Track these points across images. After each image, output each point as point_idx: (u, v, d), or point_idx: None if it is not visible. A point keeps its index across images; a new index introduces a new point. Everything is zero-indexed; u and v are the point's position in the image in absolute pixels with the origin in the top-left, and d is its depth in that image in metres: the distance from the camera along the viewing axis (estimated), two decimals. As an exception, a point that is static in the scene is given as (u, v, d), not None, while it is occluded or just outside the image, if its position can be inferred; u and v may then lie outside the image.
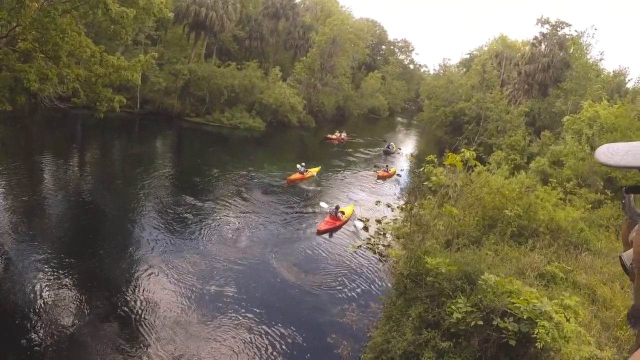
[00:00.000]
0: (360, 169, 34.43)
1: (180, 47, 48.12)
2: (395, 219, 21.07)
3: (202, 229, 17.94)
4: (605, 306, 10.46)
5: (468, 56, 69.33)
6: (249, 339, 11.38)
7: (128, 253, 15.45)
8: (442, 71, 75.33)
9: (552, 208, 15.34)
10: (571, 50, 45.11)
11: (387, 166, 32.83)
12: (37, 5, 14.62)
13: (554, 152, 26.10)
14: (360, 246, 17.98)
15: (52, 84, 15.60)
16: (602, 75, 42.28)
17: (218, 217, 19.52)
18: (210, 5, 43.56)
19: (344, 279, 15.21)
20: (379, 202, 24.71)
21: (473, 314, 8.19)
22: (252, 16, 53.25)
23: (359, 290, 14.60)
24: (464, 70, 65.02)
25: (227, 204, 21.49)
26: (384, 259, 16.91)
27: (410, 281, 9.98)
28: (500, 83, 50.13)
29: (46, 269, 13.30)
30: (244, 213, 20.38)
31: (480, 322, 8.02)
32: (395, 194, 27.34)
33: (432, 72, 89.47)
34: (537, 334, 7.18)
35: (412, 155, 41.49)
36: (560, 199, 17.69)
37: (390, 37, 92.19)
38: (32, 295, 11.99)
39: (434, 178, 12.90)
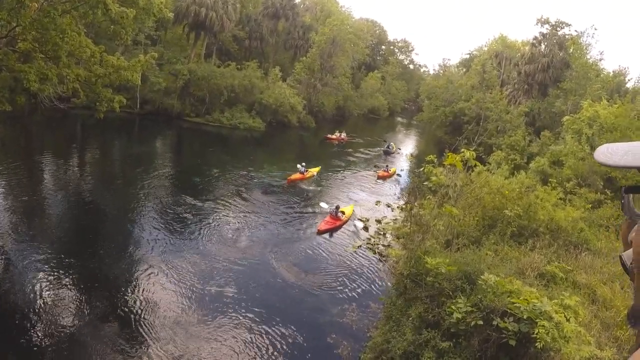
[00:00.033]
0: (360, 169, 34.43)
1: (180, 47, 48.13)
2: (395, 219, 21.07)
3: (202, 229, 17.94)
4: (605, 306, 10.47)
5: (468, 56, 69.40)
6: (249, 339, 11.38)
7: (128, 253, 15.45)
8: (442, 71, 75.38)
9: (552, 208, 15.34)
10: (571, 50, 45.11)
11: (387, 166, 32.84)
12: (37, 6, 14.61)
13: (554, 152, 26.11)
14: (360, 246, 17.99)
15: (52, 84, 15.60)
16: (601, 75, 42.29)
17: (218, 217, 19.52)
18: (210, 5, 43.56)
19: (344, 279, 15.21)
20: (379, 202, 24.71)
21: (473, 314, 8.19)
22: (252, 16, 53.25)
23: (359, 290, 14.60)
24: (464, 70, 65.03)
25: (227, 204, 21.49)
26: (384, 259, 16.92)
27: (410, 281, 9.98)
28: (500, 83, 50.13)
29: (46, 269, 13.30)
30: (243, 213, 20.38)
31: (480, 322, 8.02)
32: (395, 194, 27.34)
33: (432, 72, 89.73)
34: (537, 334, 7.18)
35: (412, 155, 41.53)
36: (560, 198, 17.70)
37: (390, 37, 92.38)
38: (32, 295, 11.99)
39: (434, 178, 12.90)
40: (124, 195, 21.57)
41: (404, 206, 17.33)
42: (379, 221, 21.12)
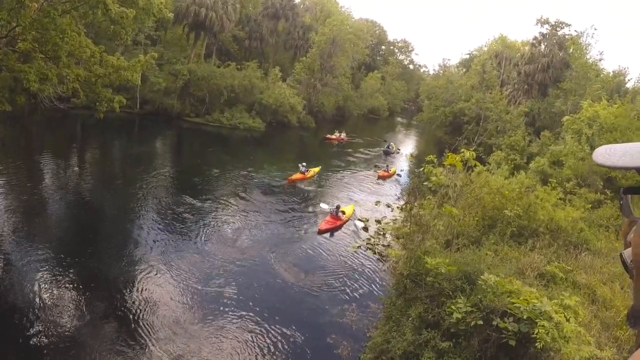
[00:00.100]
0: (360, 169, 34.44)
1: (180, 47, 48.12)
2: (395, 219, 21.10)
3: (202, 229, 17.94)
4: (605, 306, 10.48)
5: (468, 56, 69.41)
6: (249, 339, 11.38)
7: (128, 253, 15.44)
8: (441, 71, 75.33)
9: (551, 208, 15.36)
10: (571, 50, 45.13)
11: (387, 166, 32.85)
12: (36, 6, 14.62)
13: (554, 152, 26.11)
14: (360, 246, 18.00)
15: (51, 84, 15.60)
16: (601, 75, 42.32)
17: (218, 217, 19.52)
18: (210, 5, 43.56)
19: (344, 279, 15.22)
20: (379, 202, 24.72)
21: (473, 314, 8.19)
22: (252, 16, 53.26)
23: (359, 290, 14.60)
24: (464, 70, 65.03)
25: (227, 204, 21.49)
26: (384, 259, 16.93)
27: (410, 281, 9.99)
28: (499, 83, 50.14)
29: (46, 269, 13.30)
30: (243, 213, 20.39)
31: (480, 322, 8.02)
32: (395, 194, 27.34)
33: (431, 72, 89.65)
34: (537, 334, 7.18)
35: (412, 155, 41.60)
36: (560, 199, 17.72)
37: (390, 38, 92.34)
38: (31, 295, 11.99)
39: (433, 178, 12.91)
40: (123, 195, 21.57)
41: (403, 206, 17.34)
42: (379, 221, 21.13)
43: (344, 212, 20.28)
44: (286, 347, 11.28)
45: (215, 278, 14.12)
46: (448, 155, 12.48)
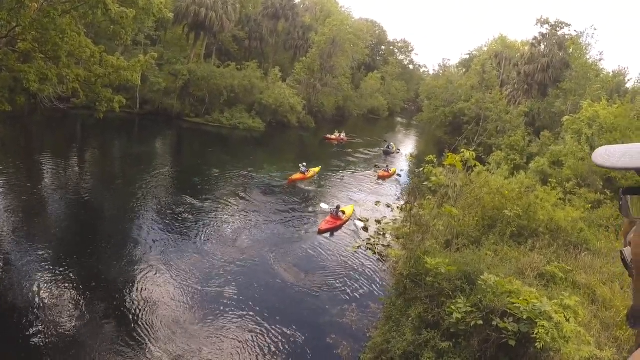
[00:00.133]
0: (360, 169, 34.44)
1: (180, 47, 48.11)
2: (395, 219, 21.11)
3: (202, 229, 17.94)
4: (605, 306, 10.48)
5: (467, 56, 69.43)
6: (249, 339, 11.38)
7: (128, 253, 15.44)
8: (441, 71, 75.33)
9: (551, 208, 15.37)
10: (570, 50, 45.15)
11: (387, 166, 32.86)
12: (36, 6, 14.63)
13: (554, 152, 26.12)
14: (360, 246, 18.00)
15: (51, 85, 15.61)
16: (601, 75, 42.35)
17: (218, 217, 19.52)
18: (210, 5, 43.56)
19: (344, 279, 15.22)
20: (379, 202, 24.73)
21: (473, 314, 8.20)
22: (252, 16, 53.25)
23: (359, 290, 14.60)
24: (464, 70, 65.03)
25: (227, 204, 21.50)
26: (383, 259, 16.93)
27: (410, 281, 9.99)
28: (499, 83, 50.14)
29: (46, 269, 13.30)
30: (244, 213, 20.39)
31: (480, 322, 8.03)
32: (395, 194, 27.34)
33: (431, 72, 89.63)
34: (536, 334, 7.19)
35: (412, 155, 41.60)
36: (560, 199, 17.73)
37: (390, 38, 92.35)
38: (31, 295, 11.99)
39: (433, 178, 12.92)
40: (123, 195, 21.57)
41: (403, 206, 17.35)
42: (379, 221, 21.14)
43: (344, 212, 20.29)
44: (286, 347, 11.28)
45: (215, 278, 14.12)
46: (448, 156, 12.50)
